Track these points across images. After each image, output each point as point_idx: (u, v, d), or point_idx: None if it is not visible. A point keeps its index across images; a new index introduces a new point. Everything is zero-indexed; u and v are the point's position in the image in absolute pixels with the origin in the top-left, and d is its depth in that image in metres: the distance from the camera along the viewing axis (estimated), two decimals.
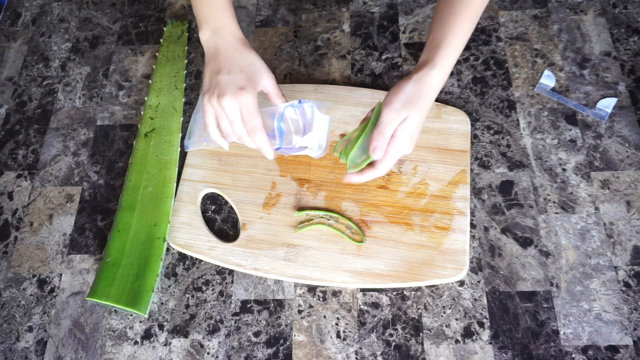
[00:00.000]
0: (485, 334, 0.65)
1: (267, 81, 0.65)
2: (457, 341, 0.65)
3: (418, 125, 0.61)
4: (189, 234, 0.72)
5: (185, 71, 0.85)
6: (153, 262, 0.69)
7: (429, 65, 0.60)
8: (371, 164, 0.63)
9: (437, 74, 0.60)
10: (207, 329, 0.68)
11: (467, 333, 0.65)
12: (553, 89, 0.79)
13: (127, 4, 0.95)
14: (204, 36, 0.66)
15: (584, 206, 0.71)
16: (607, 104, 0.77)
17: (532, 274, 0.67)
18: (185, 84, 0.84)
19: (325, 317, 0.67)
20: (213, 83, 0.63)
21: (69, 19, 0.95)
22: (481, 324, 0.65)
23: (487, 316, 0.66)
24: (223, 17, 0.66)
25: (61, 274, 0.72)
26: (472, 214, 0.72)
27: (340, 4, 0.91)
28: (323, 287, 0.69)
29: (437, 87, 0.61)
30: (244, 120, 0.63)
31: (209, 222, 0.74)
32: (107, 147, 0.81)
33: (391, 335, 0.66)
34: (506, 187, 0.73)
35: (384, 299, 0.68)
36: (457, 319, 0.66)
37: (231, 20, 0.66)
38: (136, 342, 0.68)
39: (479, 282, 0.68)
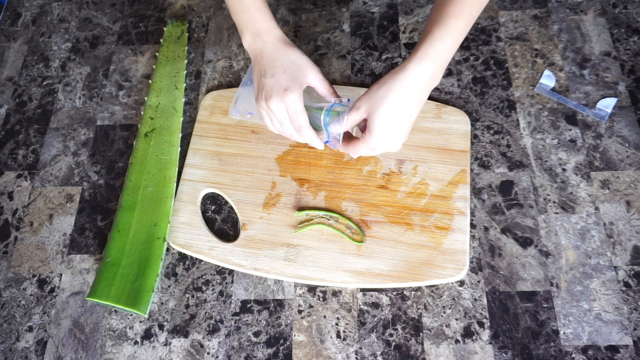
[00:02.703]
0: (485, 334, 0.65)
1: (312, 77, 0.65)
2: (457, 341, 0.65)
3: (385, 120, 0.59)
4: (189, 234, 0.72)
5: (185, 71, 0.85)
6: (153, 262, 0.69)
7: (410, 58, 0.59)
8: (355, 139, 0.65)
9: (416, 65, 0.58)
10: (207, 329, 0.68)
11: (467, 333, 0.65)
12: (553, 89, 0.79)
13: (127, 4, 0.95)
14: (246, 42, 0.67)
15: (584, 206, 0.71)
16: (607, 104, 0.77)
17: (532, 274, 0.67)
18: (185, 84, 0.84)
19: (325, 317, 0.67)
20: (260, 87, 0.65)
21: (69, 19, 0.95)
22: (481, 324, 0.65)
23: (487, 316, 0.66)
24: (261, 20, 0.66)
25: (61, 274, 0.72)
26: (472, 214, 0.72)
27: (340, 4, 0.91)
28: (323, 287, 0.69)
29: (418, 78, 0.58)
30: (291, 120, 0.64)
31: (209, 222, 0.74)
32: (107, 147, 0.81)
33: (391, 335, 0.66)
34: (506, 187, 0.73)
35: (384, 299, 0.68)
36: (457, 319, 0.66)
37: (270, 22, 0.66)
38: (136, 342, 0.68)
39: (479, 282, 0.68)
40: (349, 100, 0.66)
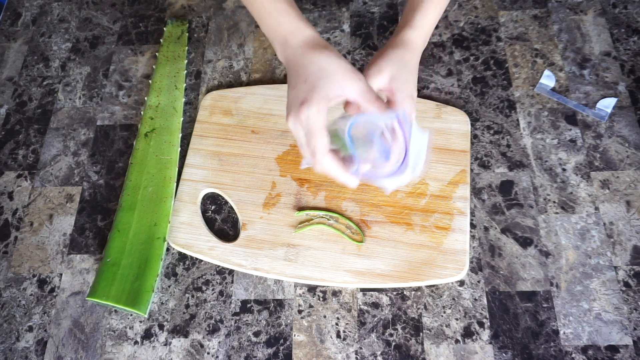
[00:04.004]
0: (485, 334, 0.65)
1: (347, 87, 0.52)
2: (457, 341, 0.65)
3: (409, 81, 0.57)
4: (189, 234, 0.72)
5: (185, 71, 0.85)
6: (153, 262, 0.69)
7: (408, 27, 0.59)
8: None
9: (417, 34, 0.59)
10: (207, 329, 0.68)
11: (467, 333, 0.65)
12: (553, 89, 0.79)
13: (127, 4, 0.95)
14: (279, 54, 0.58)
15: (584, 206, 0.71)
16: (607, 104, 0.77)
17: (532, 274, 0.67)
18: (185, 84, 0.84)
19: (325, 317, 0.67)
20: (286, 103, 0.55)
21: (69, 19, 0.95)
22: (481, 324, 0.65)
23: (487, 316, 0.66)
24: (285, 23, 0.57)
25: (61, 274, 0.72)
26: (472, 214, 0.72)
27: (340, 4, 0.91)
28: (323, 287, 0.69)
29: (420, 48, 0.59)
30: (308, 141, 0.52)
31: (209, 222, 0.74)
32: (107, 147, 0.81)
33: (391, 335, 0.66)
34: (506, 187, 0.73)
35: (384, 299, 0.68)
36: (457, 319, 0.66)
37: (295, 23, 0.57)
38: (136, 342, 0.68)
39: (479, 282, 0.68)
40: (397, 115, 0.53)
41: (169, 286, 0.70)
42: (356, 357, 0.65)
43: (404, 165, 0.55)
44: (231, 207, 0.74)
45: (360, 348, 0.65)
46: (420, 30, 0.60)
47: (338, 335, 0.66)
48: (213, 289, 0.70)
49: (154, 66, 0.87)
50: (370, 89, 0.53)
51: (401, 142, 0.54)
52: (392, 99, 0.57)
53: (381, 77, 0.56)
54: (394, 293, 0.68)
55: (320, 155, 0.52)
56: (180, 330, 0.68)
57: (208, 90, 0.85)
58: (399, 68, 0.57)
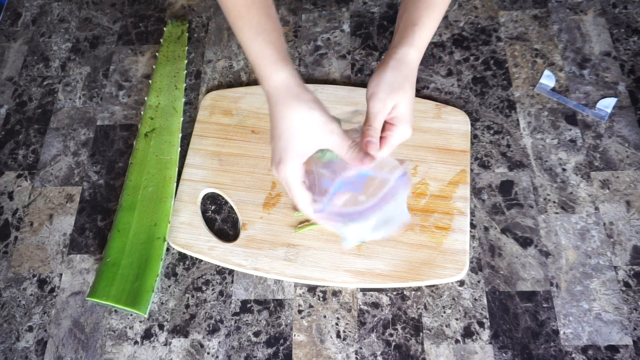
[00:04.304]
0: (485, 334, 0.65)
1: (315, 143, 0.54)
2: (457, 341, 0.65)
3: (410, 106, 0.58)
4: (189, 234, 0.72)
5: (185, 71, 0.85)
6: (153, 262, 0.69)
7: (407, 44, 0.57)
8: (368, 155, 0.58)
9: (415, 52, 0.58)
10: (207, 329, 0.68)
11: (467, 333, 0.65)
12: (553, 89, 0.79)
13: (127, 4, 0.95)
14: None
15: (584, 206, 0.71)
16: (607, 104, 0.77)
17: (532, 274, 0.67)
18: (185, 84, 0.84)
19: (325, 317, 0.67)
20: None
21: (69, 19, 0.95)
22: (481, 324, 0.65)
23: (487, 316, 0.66)
24: (262, 66, 0.56)
25: (61, 274, 0.72)
26: (472, 214, 0.72)
27: (340, 4, 0.91)
28: (323, 287, 0.69)
29: (417, 66, 0.59)
30: (288, 193, 0.56)
31: (209, 222, 0.74)
32: (107, 147, 0.82)
33: (391, 335, 0.66)
34: (506, 187, 0.73)
35: (384, 299, 0.68)
36: (457, 319, 0.66)
37: (270, 68, 0.55)
38: (136, 342, 0.68)
39: (479, 282, 0.68)
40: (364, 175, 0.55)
41: (169, 286, 0.70)
42: (356, 357, 0.65)
43: (372, 218, 0.55)
44: (231, 207, 0.74)
45: (360, 348, 0.65)
46: (420, 47, 0.59)
47: (338, 335, 0.66)
48: (213, 289, 0.70)
49: (154, 66, 0.87)
50: (345, 139, 0.54)
51: (380, 197, 0.55)
52: (392, 125, 0.58)
53: (385, 111, 0.57)
54: (394, 293, 0.68)
55: (305, 209, 0.56)
56: (180, 330, 0.68)
57: (208, 90, 0.85)
58: (401, 98, 0.57)
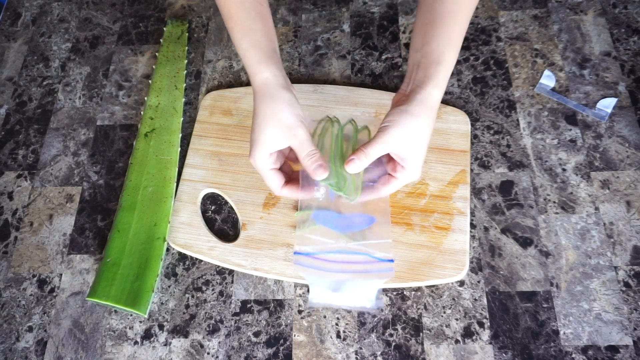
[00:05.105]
0: (485, 334, 0.65)
1: (280, 141, 0.59)
2: (457, 341, 0.65)
3: (422, 154, 0.58)
4: (189, 234, 0.72)
5: (185, 71, 0.85)
6: (153, 262, 0.69)
7: (431, 84, 0.57)
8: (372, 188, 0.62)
9: (439, 93, 0.58)
10: (207, 329, 0.68)
11: (467, 333, 0.65)
12: (553, 89, 0.79)
13: (127, 4, 0.95)
14: None
15: (584, 206, 0.71)
16: (607, 104, 0.77)
17: (532, 274, 0.67)
18: (185, 84, 0.84)
19: (325, 317, 0.67)
20: None
21: (69, 19, 0.95)
22: (481, 324, 0.65)
23: (487, 316, 0.66)
24: (248, 66, 0.61)
25: (61, 274, 0.72)
26: (472, 214, 0.72)
27: (340, 4, 0.91)
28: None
29: (437, 103, 0.58)
30: (263, 179, 0.63)
31: (209, 222, 0.74)
32: (107, 147, 0.82)
33: (391, 335, 0.66)
34: (506, 187, 0.73)
35: (384, 299, 0.68)
36: (457, 319, 0.66)
37: (255, 67, 0.60)
38: (136, 342, 0.68)
39: (479, 282, 0.68)
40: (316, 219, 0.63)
41: (169, 286, 0.70)
42: (356, 357, 0.65)
43: (342, 279, 0.63)
44: (231, 207, 0.74)
45: (360, 348, 0.65)
46: (443, 88, 0.58)
47: (338, 336, 0.66)
48: (213, 289, 0.70)
49: (154, 66, 0.87)
50: (306, 147, 0.59)
51: (359, 270, 0.62)
52: (402, 168, 0.59)
53: (388, 151, 0.58)
54: (394, 293, 0.68)
55: (276, 192, 0.63)
56: (180, 331, 0.68)
57: (208, 90, 0.85)
58: (416, 147, 0.57)
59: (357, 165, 0.58)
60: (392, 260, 0.62)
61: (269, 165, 0.61)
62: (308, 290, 0.69)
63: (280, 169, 0.63)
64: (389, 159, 0.61)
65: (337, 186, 0.61)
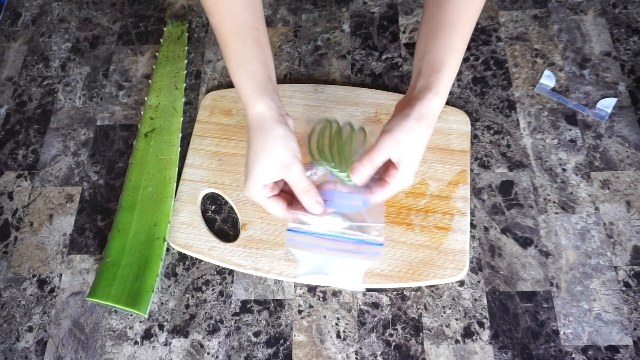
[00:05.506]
0: (485, 334, 0.65)
1: (273, 175, 0.58)
2: (457, 341, 0.65)
3: (419, 159, 0.58)
4: (189, 234, 0.72)
5: (185, 71, 0.85)
6: (153, 262, 0.69)
7: (432, 92, 0.57)
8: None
9: (441, 100, 0.58)
10: (207, 329, 0.68)
11: (467, 333, 0.65)
12: (553, 89, 0.79)
13: (127, 4, 0.95)
14: None
15: (584, 206, 0.71)
16: (607, 104, 0.77)
17: (532, 274, 0.67)
18: (185, 84, 0.84)
19: (325, 317, 0.67)
20: None
21: (69, 19, 0.95)
22: (481, 324, 0.65)
23: (487, 316, 0.66)
24: (243, 97, 0.59)
25: (61, 274, 0.72)
26: (472, 214, 0.72)
27: (340, 4, 0.91)
28: (323, 287, 0.69)
29: (438, 111, 0.58)
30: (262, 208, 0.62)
31: (209, 222, 0.74)
32: (107, 147, 0.82)
33: (391, 335, 0.66)
34: (506, 187, 0.73)
35: (384, 299, 0.68)
36: (457, 319, 0.66)
37: (249, 99, 0.59)
38: (136, 342, 0.68)
39: (479, 282, 0.68)
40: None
41: (169, 286, 0.70)
42: (356, 357, 0.65)
43: (331, 256, 0.61)
44: (231, 207, 0.74)
45: (360, 348, 0.65)
46: (445, 95, 0.58)
47: (338, 336, 0.66)
48: (213, 289, 0.70)
49: (154, 66, 0.87)
50: (301, 182, 0.57)
51: (349, 248, 0.60)
52: (395, 170, 0.58)
53: (389, 156, 0.57)
54: (394, 293, 0.68)
55: (281, 217, 0.60)
56: (180, 331, 0.68)
57: (208, 90, 0.85)
58: (413, 150, 0.57)
59: (363, 173, 0.57)
60: (382, 244, 0.61)
61: (265, 195, 0.59)
62: (308, 290, 0.69)
63: (282, 191, 0.61)
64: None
65: (339, 169, 0.60)
